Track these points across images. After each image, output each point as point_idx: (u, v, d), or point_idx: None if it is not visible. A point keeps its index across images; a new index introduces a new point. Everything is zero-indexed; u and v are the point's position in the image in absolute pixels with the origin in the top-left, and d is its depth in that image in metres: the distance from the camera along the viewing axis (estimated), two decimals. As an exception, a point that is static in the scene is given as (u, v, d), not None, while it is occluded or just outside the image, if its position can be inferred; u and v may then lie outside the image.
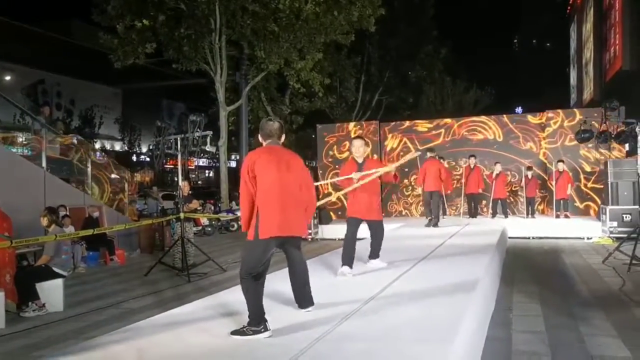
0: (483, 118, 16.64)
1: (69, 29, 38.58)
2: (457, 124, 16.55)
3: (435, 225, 11.54)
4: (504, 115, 16.45)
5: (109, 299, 7.77)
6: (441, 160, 13.40)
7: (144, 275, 9.60)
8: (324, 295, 5.05)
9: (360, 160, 6.41)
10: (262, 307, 4.00)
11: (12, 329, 6.15)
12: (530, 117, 15.97)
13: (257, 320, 3.91)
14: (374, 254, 6.62)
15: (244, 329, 3.91)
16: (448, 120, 17.05)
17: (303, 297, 4.51)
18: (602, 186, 14.21)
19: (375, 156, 15.09)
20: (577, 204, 14.83)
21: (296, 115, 26.53)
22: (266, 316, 3.98)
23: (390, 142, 16.99)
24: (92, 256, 11.08)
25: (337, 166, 16.05)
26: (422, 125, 16.95)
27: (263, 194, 4.13)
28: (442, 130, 16.55)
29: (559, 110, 15.66)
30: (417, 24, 30.38)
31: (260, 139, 4.44)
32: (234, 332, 3.93)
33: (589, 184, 14.82)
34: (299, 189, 4.33)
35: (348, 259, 6.10)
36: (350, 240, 6.23)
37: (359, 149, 6.39)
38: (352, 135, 13.42)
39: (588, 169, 14.89)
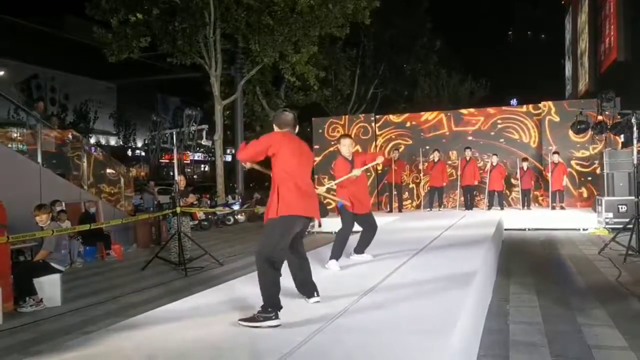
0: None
1: (63, 23, 38.36)
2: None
3: None
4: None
5: (107, 293, 7.77)
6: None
7: (141, 270, 9.60)
8: (322, 288, 5.06)
9: (350, 158, 6.57)
10: (278, 295, 4.06)
11: (10, 324, 6.14)
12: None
13: (270, 307, 3.96)
14: (362, 248, 6.78)
15: (255, 315, 3.95)
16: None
17: (310, 286, 4.62)
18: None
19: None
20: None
21: (291, 109, 26.48)
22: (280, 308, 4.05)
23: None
24: (89, 251, 11.07)
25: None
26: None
27: (285, 174, 4.29)
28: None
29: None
30: (411, 16, 30.34)
31: (275, 128, 4.56)
32: (242, 320, 3.98)
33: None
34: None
35: (339, 253, 6.33)
36: (347, 236, 6.47)
37: (349, 148, 6.57)
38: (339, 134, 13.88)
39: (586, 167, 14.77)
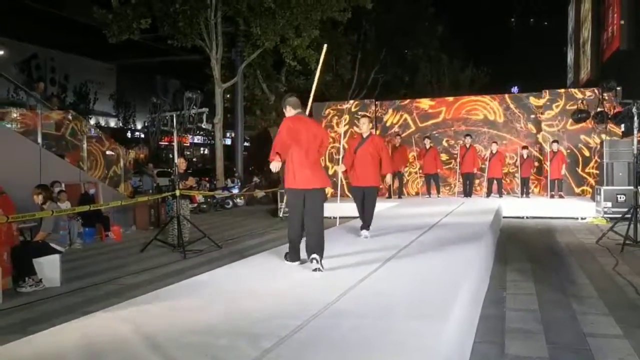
0: (486, 98, 16.51)
1: (63, 3, 38.05)
2: (459, 102, 16.62)
3: None
4: (506, 95, 16.74)
5: (106, 274, 7.80)
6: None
7: (140, 252, 9.63)
8: (320, 274, 5.08)
9: (365, 135, 7.54)
10: (294, 242, 5.45)
11: (9, 304, 6.17)
12: (532, 99, 15.74)
13: (289, 250, 5.51)
14: (366, 223, 7.46)
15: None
16: (450, 98, 17.17)
17: (314, 245, 5.23)
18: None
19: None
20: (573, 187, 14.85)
21: (292, 93, 26.38)
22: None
23: (390, 118, 16.99)
24: (88, 232, 11.11)
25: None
26: (424, 103, 17.05)
27: (292, 153, 5.31)
28: (444, 108, 16.57)
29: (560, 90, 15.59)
30: (413, 1, 30.13)
31: (287, 110, 5.58)
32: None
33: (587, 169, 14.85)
34: (318, 150, 5.50)
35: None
36: (359, 208, 7.53)
37: (364, 125, 7.56)
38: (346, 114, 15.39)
39: (587, 153, 14.78)
